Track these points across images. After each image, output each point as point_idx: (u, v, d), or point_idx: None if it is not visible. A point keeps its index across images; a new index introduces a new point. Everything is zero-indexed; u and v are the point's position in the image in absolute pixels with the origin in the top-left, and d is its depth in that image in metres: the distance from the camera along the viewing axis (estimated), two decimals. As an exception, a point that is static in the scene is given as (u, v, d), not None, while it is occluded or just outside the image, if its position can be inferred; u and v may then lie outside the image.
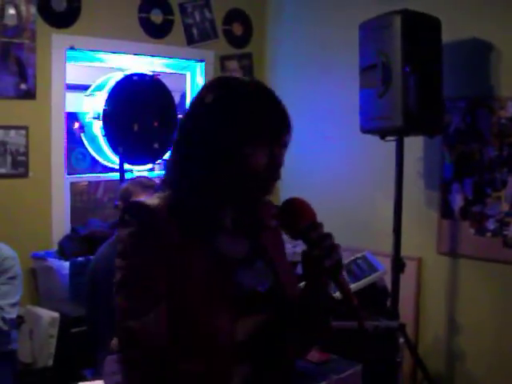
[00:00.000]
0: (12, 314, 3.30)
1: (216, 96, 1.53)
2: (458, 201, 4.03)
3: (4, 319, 3.24)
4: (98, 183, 5.78)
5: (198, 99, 1.57)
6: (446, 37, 3.68)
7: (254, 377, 1.54)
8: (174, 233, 1.45)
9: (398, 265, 3.71)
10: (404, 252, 3.74)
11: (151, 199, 1.52)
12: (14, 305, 3.31)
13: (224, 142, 1.49)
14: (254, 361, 1.54)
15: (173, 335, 1.44)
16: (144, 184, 3.32)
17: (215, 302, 1.47)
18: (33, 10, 3.92)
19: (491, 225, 3.88)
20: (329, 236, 1.49)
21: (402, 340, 3.56)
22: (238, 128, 1.49)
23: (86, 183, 5.62)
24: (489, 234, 3.89)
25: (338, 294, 1.88)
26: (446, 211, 4.08)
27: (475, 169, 3.94)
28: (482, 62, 3.87)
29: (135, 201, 1.58)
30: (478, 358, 3.94)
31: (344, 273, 1.50)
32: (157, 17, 4.51)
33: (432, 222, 4.12)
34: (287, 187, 5.31)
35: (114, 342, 3.15)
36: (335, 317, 1.73)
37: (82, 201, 5.71)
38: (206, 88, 1.58)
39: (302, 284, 1.59)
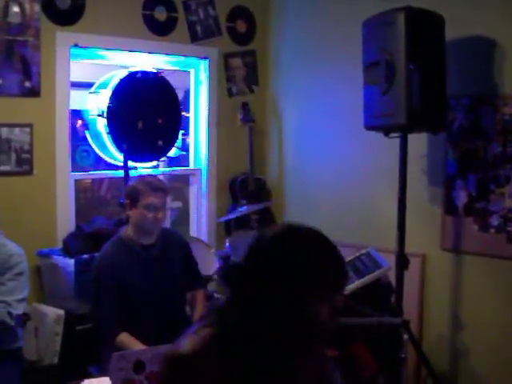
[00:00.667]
0: (18, 309, 3.31)
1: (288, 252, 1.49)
2: (461, 197, 4.03)
3: (11, 314, 3.25)
4: (101, 180, 5.80)
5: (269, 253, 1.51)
6: (450, 34, 3.68)
7: None
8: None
9: (402, 261, 3.72)
10: (408, 248, 3.75)
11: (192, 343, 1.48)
12: (20, 301, 3.32)
13: (291, 301, 1.46)
14: None
15: None
16: (153, 185, 3.33)
17: None
18: (37, 7, 3.92)
19: (495, 221, 3.88)
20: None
21: (406, 336, 3.57)
22: (304, 286, 1.46)
23: (90, 181, 5.64)
24: (492, 231, 3.90)
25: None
26: (449, 208, 4.08)
27: (479, 165, 3.94)
28: (486, 60, 3.87)
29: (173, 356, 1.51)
30: (482, 354, 3.94)
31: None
32: (161, 14, 4.51)
33: (436, 218, 4.13)
34: (291, 185, 5.38)
35: (119, 339, 3.18)
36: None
37: (86, 198, 5.74)
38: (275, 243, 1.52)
39: None
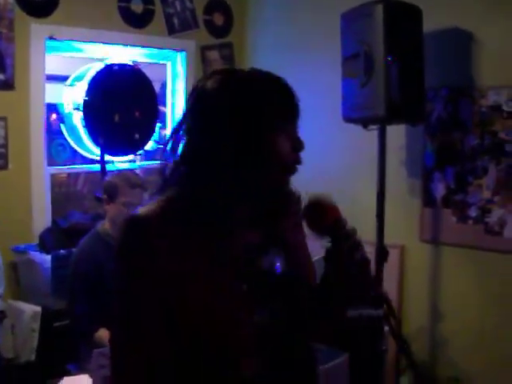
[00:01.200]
0: None
1: (228, 85, 1.47)
2: (439, 189, 4.04)
3: None
4: (77, 175, 5.72)
5: (206, 91, 1.48)
6: (428, 26, 3.68)
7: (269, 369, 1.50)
8: (170, 243, 1.39)
9: (381, 253, 3.72)
10: (387, 240, 3.75)
11: (148, 209, 1.43)
12: None
13: (247, 130, 1.43)
14: (271, 353, 1.50)
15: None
16: (132, 182, 3.30)
17: (229, 300, 1.43)
18: (11, -1, 3.86)
19: (473, 212, 3.90)
20: (355, 231, 1.53)
21: (386, 328, 3.58)
22: (260, 114, 1.45)
23: (66, 175, 5.57)
24: (471, 222, 3.91)
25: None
26: (428, 199, 4.10)
27: (457, 157, 3.96)
28: (464, 52, 3.88)
29: (130, 217, 1.45)
30: (461, 344, 3.96)
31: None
32: (137, 6, 4.46)
33: (414, 210, 4.14)
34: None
35: (97, 335, 3.14)
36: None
37: (62, 192, 5.66)
38: (210, 79, 1.50)
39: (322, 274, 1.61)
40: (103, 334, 3.13)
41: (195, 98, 1.51)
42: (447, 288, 4.04)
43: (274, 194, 1.54)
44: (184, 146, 1.48)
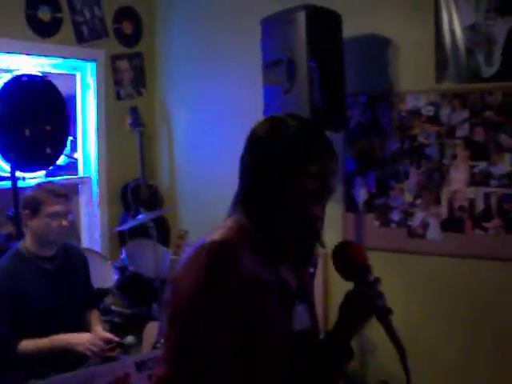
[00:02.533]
0: None
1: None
2: (361, 194, 4.09)
3: None
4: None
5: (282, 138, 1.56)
6: (347, 32, 3.71)
7: None
8: (252, 268, 1.47)
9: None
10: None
11: (225, 232, 1.51)
12: None
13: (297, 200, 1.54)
14: None
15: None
16: (56, 191, 3.13)
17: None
18: None
19: (395, 216, 3.96)
20: (379, 280, 1.59)
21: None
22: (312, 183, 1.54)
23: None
24: (394, 225, 3.98)
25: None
26: (350, 205, 4.13)
27: (377, 162, 4.02)
28: (381, 58, 3.95)
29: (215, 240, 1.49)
30: (388, 348, 3.99)
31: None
32: (45, 14, 4.24)
33: (337, 216, 4.15)
34: (184, 190, 5.22)
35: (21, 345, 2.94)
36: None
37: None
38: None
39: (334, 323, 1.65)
40: (24, 343, 2.97)
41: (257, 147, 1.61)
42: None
43: (309, 239, 1.64)
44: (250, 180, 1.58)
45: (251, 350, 1.45)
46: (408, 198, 3.91)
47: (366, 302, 1.56)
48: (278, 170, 1.52)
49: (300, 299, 1.63)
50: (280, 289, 1.53)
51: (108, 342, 3.20)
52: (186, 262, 1.49)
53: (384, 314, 1.56)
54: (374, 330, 3.88)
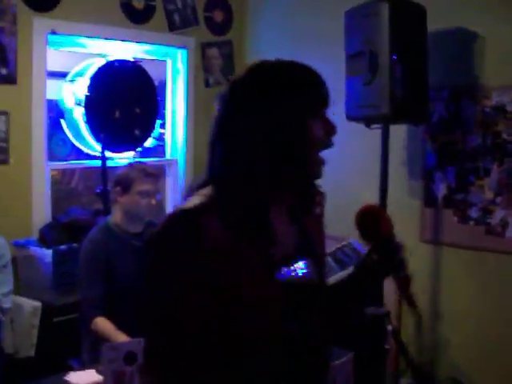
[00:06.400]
0: (7, 303, 3.24)
1: (265, 76, 1.52)
2: (441, 189, 4.05)
3: (1, 309, 3.18)
4: (72, 172, 5.69)
5: (245, 83, 1.51)
6: (431, 25, 3.69)
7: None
8: (223, 238, 1.39)
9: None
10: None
11: (195, 201, 1.43)
12: (7, 294, 3.25)
13: (287, 119, 1.45)
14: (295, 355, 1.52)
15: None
16: (146, 171, 3.29)
17: (265, 301, 1.44)
18: (14, -7, 3.83)
19: (474, 213, 3.91)
20: (403, 247, 1.58)
21: (389, 327, 3.57)
22: (298, 103, 1.47)
23: (60, 172, 5.52)
24: (472, 223, 3.92)
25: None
26: (429, 200, 4.10)
27: (458, 157, 3.97)
28: (467, 52, 3.89)
29: (180, 210, 1.45)
30: (460, 345, 3.97)
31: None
32: (138, 2, 4.44)
33: (415, 210, 4.14)
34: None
35: (95, 322, 3.10)
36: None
37: (57, 189, 5.62)
38: (249, 72, 1.54)
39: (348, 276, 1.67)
40: (101, 322, 3.09)
41: (231, 91, 1.52)
42: (447, 288, 4.04)
43: (308, 184, 1.58)
44: (220, 139, 1.49)
45: (227, 309, 1.40)
46: (488, 195, 3.85)
47: (388, 265, 1.60)
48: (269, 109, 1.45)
49: (301, 254, 1.55)
50: (258, 258, 1.44)
51: None
52: (156, 231, 1.46)
53: (406, 281, 1.62)
54: (445, 325, 3.91)
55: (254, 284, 1.42)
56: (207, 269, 1.37)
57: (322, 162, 1.54)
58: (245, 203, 1.43)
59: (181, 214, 1.42)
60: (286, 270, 1.51)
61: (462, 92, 3.93)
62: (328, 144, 1.53)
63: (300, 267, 1.54)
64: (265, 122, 1.44)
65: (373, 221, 1.60)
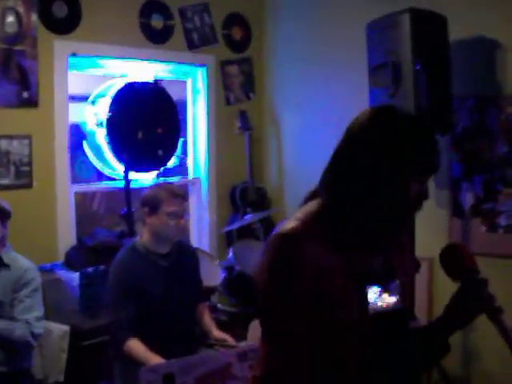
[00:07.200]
0: (39, 328, 3.21)
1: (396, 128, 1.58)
2: (468, 199, 4.01)
3: (33, 334, 3.15)
4: (93, 194, 5.68)
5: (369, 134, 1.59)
6: (453, 35, 3.66)
7: None
8: (318, 258, 1.53)
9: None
10: (416, 252, 3.70)
11: (292, 224, 1.57)
12: (39, 318, 3.23)
13: (399, 175, 1.55)
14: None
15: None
16: (174, 192, 3.27)
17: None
18: (34, 16, 3.84)
19: (503, 221, 3.86)
20: (487, 282, 1.65)
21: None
22: (412, 165, 1.55)
23: (80, 195, 5.52)
24: (501, 231, 3.88)
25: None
26: (456, 210, 4.06)
27: (484, 166, 3.93)
28: (489, 60, 3.86)
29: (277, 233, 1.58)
30: (493, 355, 3.89)
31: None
32: (157, 22, 4.45)
33: (443, 221, 4.09)
34: (291, 192, 5.27)
35: (127, 344, 3.07)
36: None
37: (78, 213, 5.61)
38: (373, 123, 1.61)
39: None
40: (133, 344, 3.07)
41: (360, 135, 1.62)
42: (478, 298, 3.97)
43: (395, 231, 1.69)
44: (334, 170, 1.64)
45: (324, 331, 1.54)
46: (517, 203, 3.81)
47: (474, 300, 1.62)
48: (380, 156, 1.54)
49: (387, 280, 1.66)
50: (348, 274, 1.57)
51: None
52: (262, 256, 1.59)
53: (495, 312, 1.61)
54: (477, 336, 3.85)
55: (345, 303, 1.56)
56: (311, 290, 1.52)
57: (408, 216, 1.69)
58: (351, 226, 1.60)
59: (280, 237, 1.56)
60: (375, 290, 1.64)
61: (486, 101, 3.89)
62: (418, 207, 1.62)
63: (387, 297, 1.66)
64: (378, 173, 1.55)
65: (454, 257, 1.69)
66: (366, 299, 1.60)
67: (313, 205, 1.63)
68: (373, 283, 1.62)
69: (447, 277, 1.70)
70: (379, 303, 1.63)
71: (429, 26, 3.57)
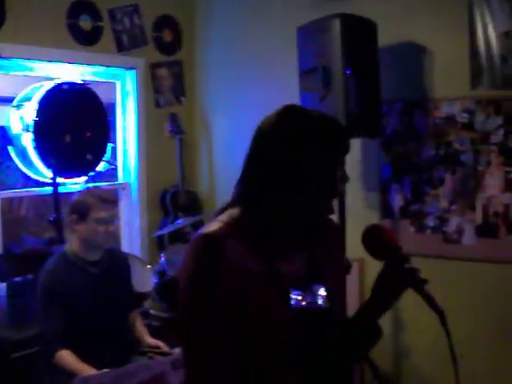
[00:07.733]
0: None
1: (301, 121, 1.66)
2: (397, 200, 4.10)
3: None
4: (20, 199, 5.54)
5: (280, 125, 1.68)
6: (382, 40, 3.73)
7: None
8: (239, 259, 1.55)
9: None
10: (346, 253, 3.75)
11: (216, 227, 1.59)
12: None
13: (319, 163, 1.61)
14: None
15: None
16: (103, 197, 3.20)
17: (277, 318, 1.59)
18: (-45, 16, 3.71)
19: (431, 222, 3.97)
20: (410, 258, 1.70)
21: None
22: (328, 148, 1.63)
23: (7, 200, 5.37)
24: (429, 231, 3.98)
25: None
26: (386, 211, 4.14)
27: (413, 168, 4.03)
28: (417, 65, 3.96)
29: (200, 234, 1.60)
30: (422, 353, 4.00)
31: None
32: (86, 23, 4.35)
33: (373, 222, 4.13)
34: (223, 196, 5.25)
35: (58, 355, 3.00)
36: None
37: (4, 219, 5.45)
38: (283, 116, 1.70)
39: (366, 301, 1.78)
40: (64, 355, 3.00)
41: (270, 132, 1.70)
42: (407, 297, 4.04)
43: (319, 219, 1.72)
44: (247, 170, 1.70)
45: (246, 333, 1.56)
46: (443, 204, 3.91)
47: (401, 274, 1.67)
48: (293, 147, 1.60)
49: (311, 281, 1.68)
50: (270, 276, 1.59)
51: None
52: (183, 257, 1.60)
53: (421, 284, 1.68)
54: (407, 334, 3.93)
55: (265, 307, 1.57)
56: (231, 291, 1.54)
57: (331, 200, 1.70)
58: (271, 223, 1.63)
59: (202, 238, 1.58)
60: (296, 293, 1.64)
61: (414, 104, 3.99)
62: (341, 189, 1.68)
63: (312, 294, 1.67)
64: (295, 161, 1.61)
65: (378, 236, 1.71)
66: (288, 302, 1.61)
67: (236, 210, 1.65)
68: (295, 286, 1.64)
69: (373, 259, 1.72)
70: (303, 303, 1.64)
71: (359, 32, 3.63)
